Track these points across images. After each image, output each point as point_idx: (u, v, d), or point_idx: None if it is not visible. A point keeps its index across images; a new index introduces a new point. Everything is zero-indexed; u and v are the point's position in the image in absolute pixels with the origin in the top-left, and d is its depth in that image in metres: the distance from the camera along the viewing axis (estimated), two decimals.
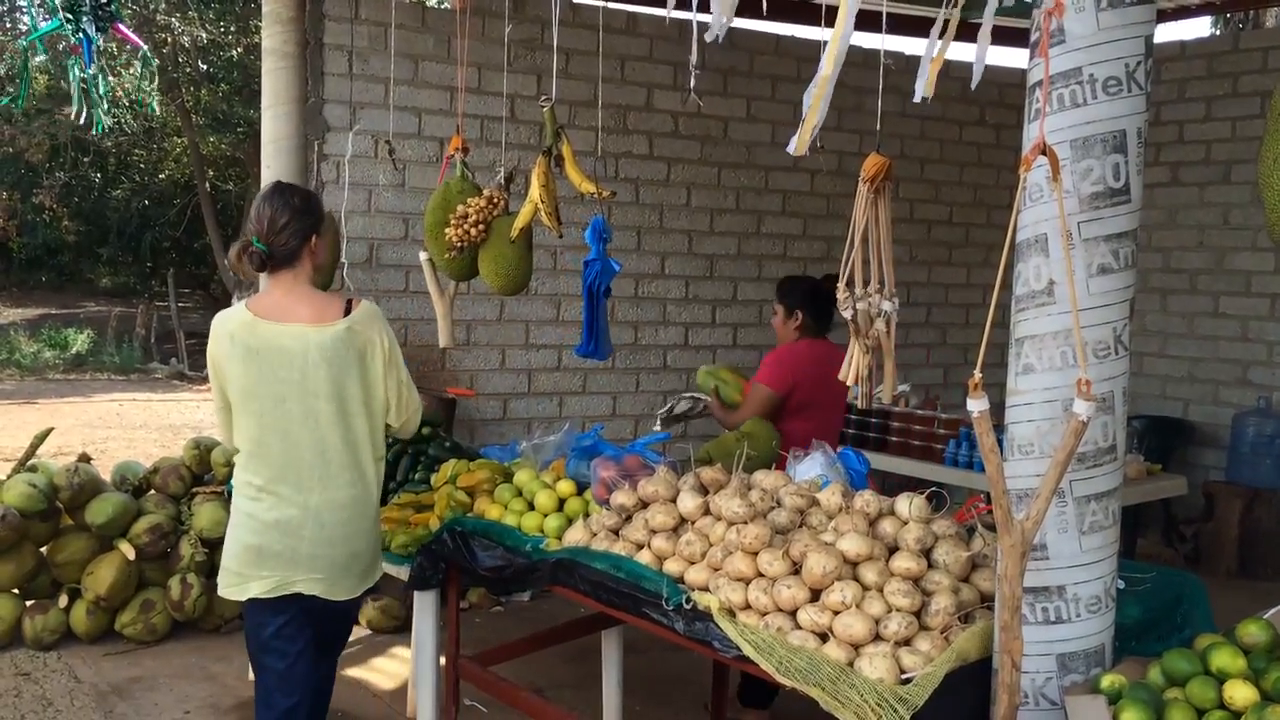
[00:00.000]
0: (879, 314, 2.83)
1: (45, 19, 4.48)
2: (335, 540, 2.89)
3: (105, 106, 4.57)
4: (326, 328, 2.84)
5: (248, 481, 2.90)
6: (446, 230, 3.79)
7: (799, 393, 3.99)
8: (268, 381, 2.83)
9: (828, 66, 2.06)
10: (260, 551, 2.85)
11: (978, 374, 2.15)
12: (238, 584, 2.90)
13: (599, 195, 3.65)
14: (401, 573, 3.65)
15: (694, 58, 2.81)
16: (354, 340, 2.87)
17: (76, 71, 4.41)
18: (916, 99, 2.26)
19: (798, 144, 2.27)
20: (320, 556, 2.87)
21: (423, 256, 4.17)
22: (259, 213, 2.89)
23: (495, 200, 3.81)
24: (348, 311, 2.89)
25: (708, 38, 2.34)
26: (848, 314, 2.86)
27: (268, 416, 2.84)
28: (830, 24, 2.43)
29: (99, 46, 4.32)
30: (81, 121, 4.64)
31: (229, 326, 2.87)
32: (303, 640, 2.93)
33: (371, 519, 3.00)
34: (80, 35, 4.29)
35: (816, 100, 2.14)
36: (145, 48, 4.73)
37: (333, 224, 4.46)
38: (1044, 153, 2.18)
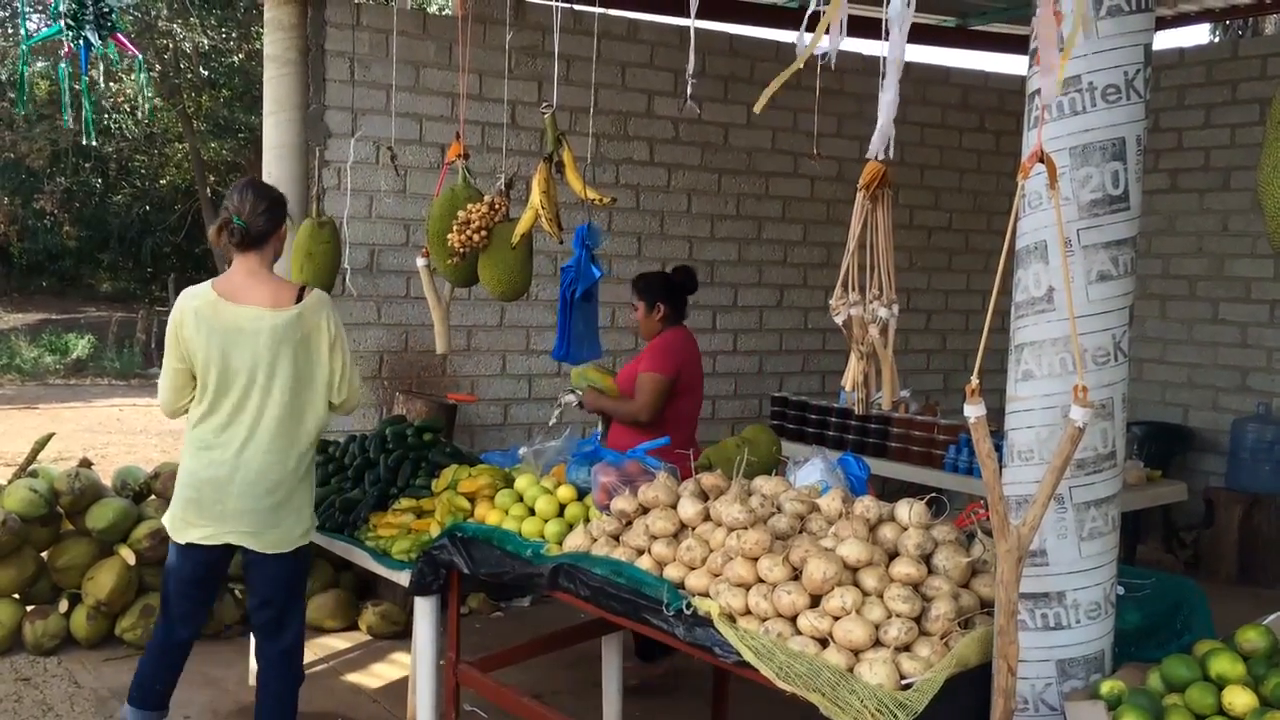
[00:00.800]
0: (873, 320, 2.83)
1: (47, 24, 4.49)
2: (259, 494, 3.27)
3: (91, 115, 4.59)
4: (280, 312, 3.25)
5: (196, 439, 3.32)
6: (449, 236, 3.80)
7: (683, 375, 4.40)
8: (225, 355, 3.24)
9: (891, 90, 2.13)
10: (198, 504, 3.30)
11: (975, 379, 2.16)
12: (181, 528, 3.35)
13: (600, 202, 3.66)
14: (402, 578, 3.65)
15: (691, 65, 2.82)
16: (303, 325, 3.27)
17: (68, 77, 4.43)
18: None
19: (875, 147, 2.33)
20: (246, 511, 3.28)
21: (420, 262, 4.18)
22: (241, 196, 3.31)
23: (497, 206, 3.82)
24: (300, 299, 3.29)
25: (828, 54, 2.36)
26: (839, 319, 2.86)
27: (222, 385, 3.26)
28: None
29: (99, 53, 4.33)
30: (69, 125, 4.67)
31: (194, 304, 3.29)
32: (214, 592, 3.53)
33: (299, 481, 3.36)
34: (80, 42, 4.30)
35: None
36: (140, 56, 4.73)
37: (334, 229, 4.47)
38: (1042, 160, 2.19)
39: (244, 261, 3.30)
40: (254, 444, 3.26)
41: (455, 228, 3.78)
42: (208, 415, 3.29)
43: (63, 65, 4.39)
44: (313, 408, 3.33)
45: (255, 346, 3.22)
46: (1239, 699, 2.24)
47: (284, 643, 3.46)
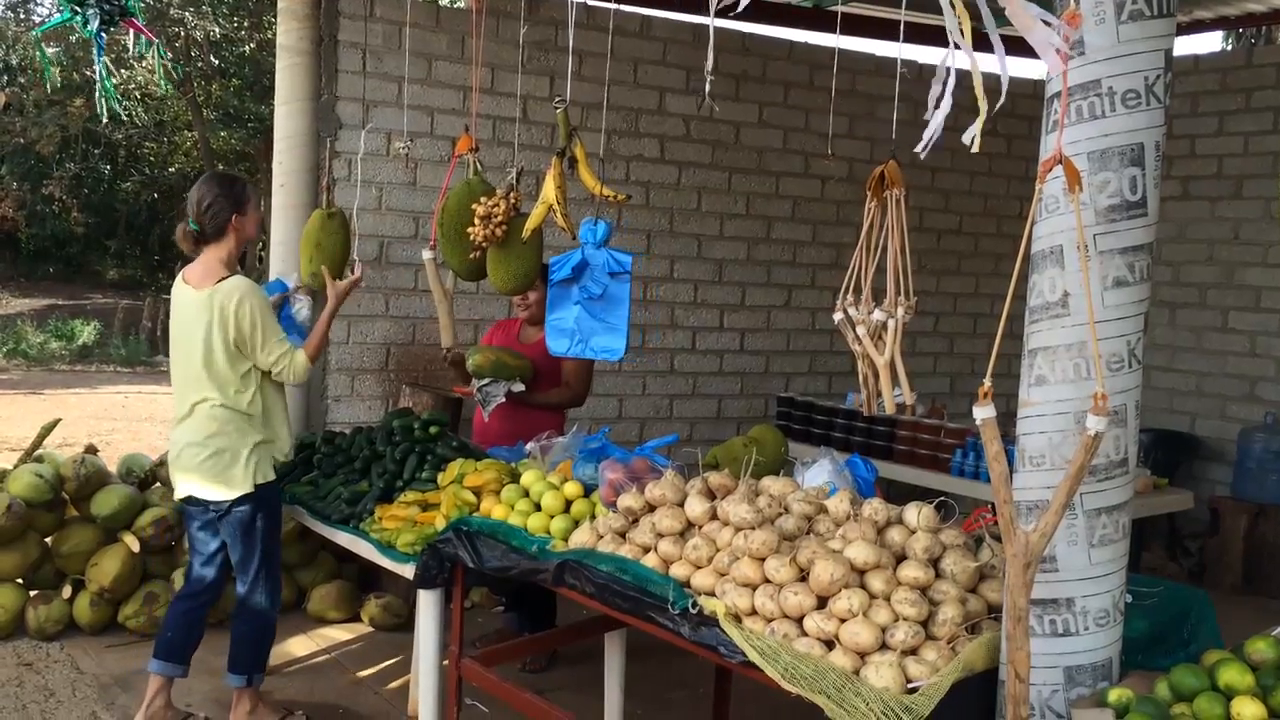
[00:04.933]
0: (862, 321, 2.82)
1: (59, 10, 4.50)
2: (198, 450, 3.67)
3: (111, 95, 4.61)
4: (201, 292, 3.64)
5: None
6: (470, 230, 3.78)
7: None
8: (175, 330, 3.77)
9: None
10: (170, 464, 3.81)
11: (987, 382, 2.14)
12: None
13: (613, 198, 3.64)
14: (406, 571, 3.65)
15: (709, 62, 2.81)
16: (213, 304, 3.62)
17: (98, 63, 4.44)
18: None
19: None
20: (193, 469, 3.69)
21: (426, 255, 4.15)
22: (191, 199, 3.71)
23: (513, 200, 3.81)
24: (220, 282, 3.64)
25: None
26: (837, 317, 2.86)
27: (174, 359, 3.78)
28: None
29: (103, 41, 4.33)
30: (99, 109, 4.71)
31: (174, 292, 3.79)
32: (214, 545, 3.82)
33: (231, 435, 3.69)
34: (90, 29, 4.30)
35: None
36: (157, 41, 4.74)
37: (343, 220, 4.46)
38: (1060, 164, 2.17)
39: (205, 251, 3.72)
40: (192, 407, 3.69)
41: (477, 221, 3.76)
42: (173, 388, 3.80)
43: (96, 52, 4.39)
44: (231, 374, 3.65)
45: (186, 323, 3.69)
46: (1248, 709, 2.23)
47: (245, 587, 3.83)
